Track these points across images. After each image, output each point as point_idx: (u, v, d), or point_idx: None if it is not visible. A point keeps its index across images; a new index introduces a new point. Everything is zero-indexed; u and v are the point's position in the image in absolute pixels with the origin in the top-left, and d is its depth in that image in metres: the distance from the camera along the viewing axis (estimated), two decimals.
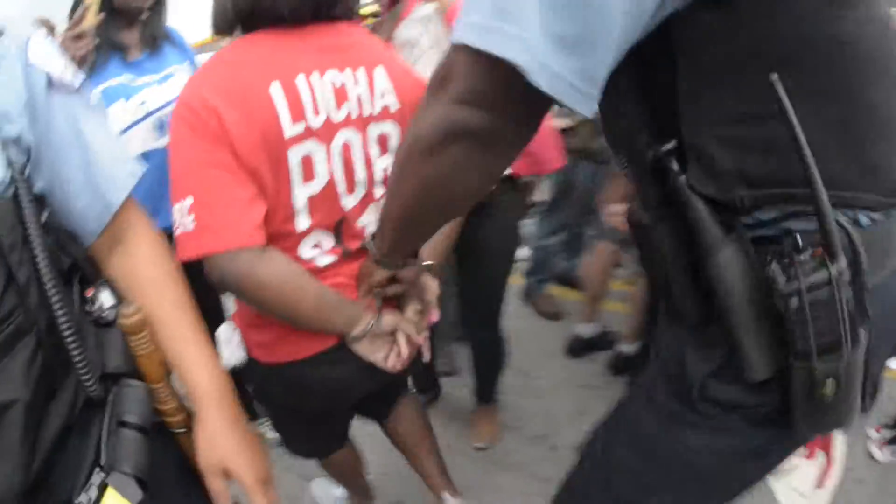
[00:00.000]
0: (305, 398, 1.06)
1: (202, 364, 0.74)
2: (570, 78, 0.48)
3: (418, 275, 0.96)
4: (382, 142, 0.96)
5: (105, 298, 0.70)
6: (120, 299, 0.71)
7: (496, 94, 0.51)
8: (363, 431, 1.51)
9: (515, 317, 2.52)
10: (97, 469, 0.65)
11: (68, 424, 0.62)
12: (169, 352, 0.73)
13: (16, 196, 0.59)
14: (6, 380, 0.56)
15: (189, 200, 0.81)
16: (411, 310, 0.99)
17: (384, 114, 0.95)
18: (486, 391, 2.02)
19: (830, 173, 0.54)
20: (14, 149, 0.60)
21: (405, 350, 0.98)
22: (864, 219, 0.58)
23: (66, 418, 0.62)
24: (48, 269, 0.60)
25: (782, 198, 0.57)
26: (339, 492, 1.72)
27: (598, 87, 0.51)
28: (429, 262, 0.99)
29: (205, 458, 0.73)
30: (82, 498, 0.63)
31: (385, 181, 0.98)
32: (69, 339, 0.61)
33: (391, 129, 0.97)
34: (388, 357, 0.98)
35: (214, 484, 0.73)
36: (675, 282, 0.65)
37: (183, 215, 0.82)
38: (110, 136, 0.71)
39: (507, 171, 1.49)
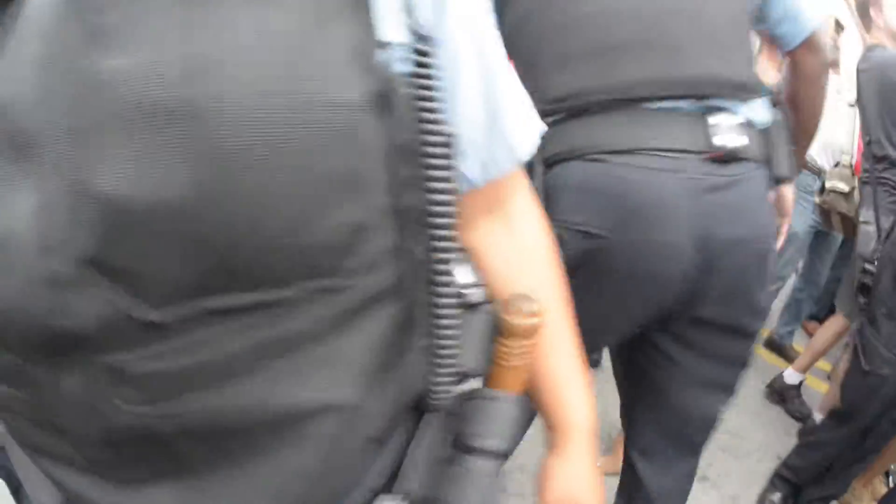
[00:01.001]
0: None
1: (582, 397, 0.62)
2: None
3: None
4: None
5: (462, 273, 0.51)
6: (480, 280, 0.54)
7: None
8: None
9: None
10: (383, 497, 0.46)
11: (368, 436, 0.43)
12: (543, 370, 0.59)
13: (423, 75, 0.38)
14: (331, 366, 0.35)
15: None
16: None
17: None
18: None
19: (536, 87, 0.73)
20: (413, 19, 0.39)
21: None
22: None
23: (374, 431, 0.42)
24: (443, 205, 0.39)
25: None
26: None
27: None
28: None
29: (559, 493, 0.64)
30: None
31: None
32: (443, 320, 0.43)
33: None
34: None
35: None
36: None
37: None
38: (513, 77, 0.52)
39: None
